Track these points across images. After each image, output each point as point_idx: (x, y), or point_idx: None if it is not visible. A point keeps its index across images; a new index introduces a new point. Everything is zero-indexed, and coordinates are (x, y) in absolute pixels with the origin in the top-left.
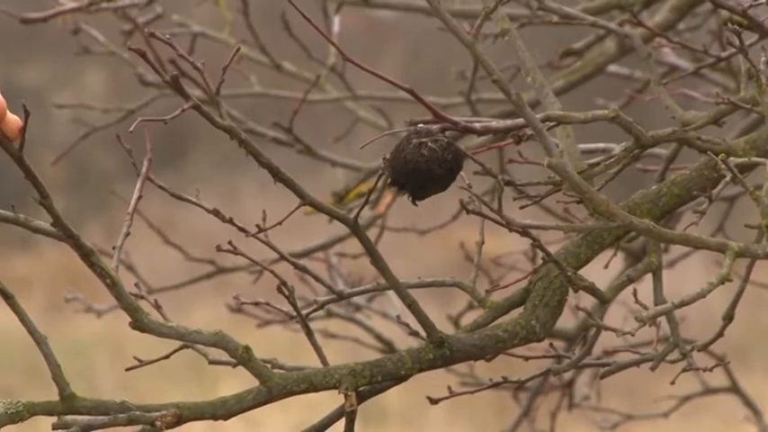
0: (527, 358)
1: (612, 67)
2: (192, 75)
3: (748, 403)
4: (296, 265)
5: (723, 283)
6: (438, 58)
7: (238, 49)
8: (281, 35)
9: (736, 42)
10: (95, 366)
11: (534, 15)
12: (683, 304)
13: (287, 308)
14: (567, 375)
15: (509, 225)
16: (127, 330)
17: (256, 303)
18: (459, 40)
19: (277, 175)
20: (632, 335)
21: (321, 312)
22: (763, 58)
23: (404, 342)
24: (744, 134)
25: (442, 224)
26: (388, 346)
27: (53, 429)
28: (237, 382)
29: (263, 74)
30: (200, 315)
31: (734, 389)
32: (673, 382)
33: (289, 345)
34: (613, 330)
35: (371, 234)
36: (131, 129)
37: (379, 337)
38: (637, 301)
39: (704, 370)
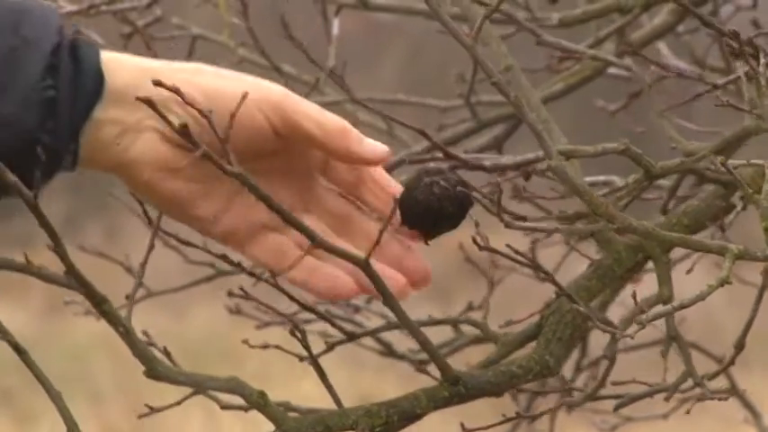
0: (538, 393)
1: (612, 70)
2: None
3: (747, 405)
4: (304, 307)
5: (722, 286)
6: (437, 60)
7: (245, 96)
8: (280, 38)
9: (741, 74)
10: (94, 369)
11: (548, 45)
12: (682, 307)
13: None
14: (567, 376)
15: (530, 264)
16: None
17: (266, 347)
18: (459, 42)
19: (288, 220)
20: (632, 338)
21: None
22: (763, 60)
23: (403, 344)
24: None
25: None
26: (388, 349)
27: None
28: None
29: (263, 76)
30: (198, 316)
31: (733, 390)
32: (688, 412)
33: (287, 344)
34: (613, 332)
35: None
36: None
37: (378, 340)
38: (636, 304)
39: (719, 399)
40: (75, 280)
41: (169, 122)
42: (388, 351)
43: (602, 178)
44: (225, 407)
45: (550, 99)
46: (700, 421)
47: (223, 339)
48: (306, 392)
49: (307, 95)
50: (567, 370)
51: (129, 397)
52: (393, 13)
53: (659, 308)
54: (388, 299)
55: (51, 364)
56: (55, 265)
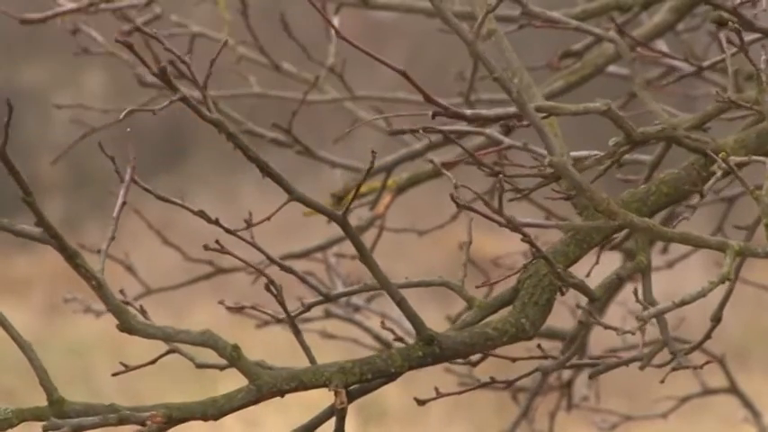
0: (515, 359)
1: (612, 68)
2: (189, 75)
3: (747, 404)
4: (281, 266)
5: (723, 282)
6: (437, 59)
7: (226, 42)
8: (280, 35)
9: (724, 44)
10: (95, 367)
11: (533, 16)
12: (683, 303)
13: (282, 308)
14: (566, 376)
15: (508, 224)
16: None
17: (241, 309)
18: (461, 38)
19: (265, 170)
20: (632, 333)
21: (319, 313)
22: (763, 57)
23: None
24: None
25: (441, 224)
26: (387, 347)
27: (43, 431)
28: (239, 380)
29: (263, 74)
30: (199, 315)
31: (733, 389)
32: (662, 381)
33: (288, 343)
34: (613, 329)
35: (371, 234)
36: (121, 117)
37: (377, 338)
38: (637, 300)
39: (695, 368)
40: (46, 232)
41: (148, 66)
42: (388, 349)
43: (584, 153)
44: (200, 365)
45: (551, 97)
46: (700, 420)
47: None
48: (306, 393)
49: (306, 93)
50: (567, 370)
51: (129, 395)
52: (393, 12)
53: (661, 305)
54: (366, 257)
55: (52, 363)
56: (55, 266)
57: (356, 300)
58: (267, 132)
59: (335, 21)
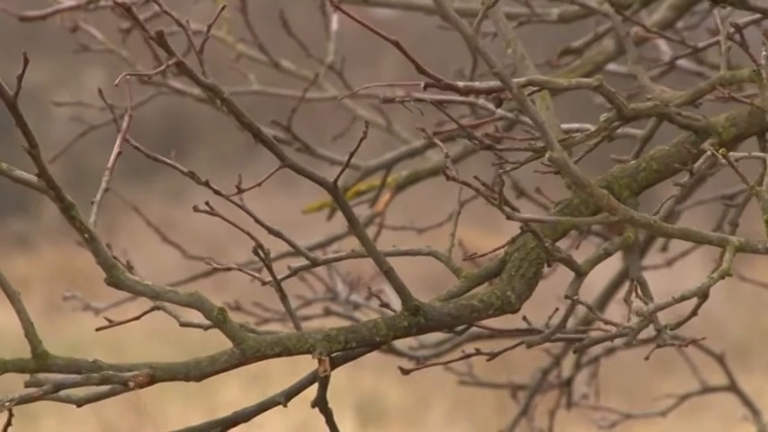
0: (500, 332)
1: (611, 66)
2: (192, 68)
3: (747, 402)
4: (269, 230)
5: (723, 278)
6: (437, 56)
7: (224, 7)
8: (279, 33)
9: (719, 22)
10: None
11: (533, 14)
12: (683, 298)
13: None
14: (566, 374)
15: (510, 217)
16: (125, 329)
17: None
18: (461, 34)
19: (258, 137)
20: (633, 329)
21: (319, 311)
22: (764, 53)
23: (402, 342)
24: None
25: (440, 222)
26: (387, 346)
27: (25, 387)
28: (238, 378)
29: (262, 72)
30: (198, 314)
31: (732, 388)
32: (647, 358)
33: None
34: (614, 325)
35: (370, 232)
36: (116, 83)
37: None
38: (637, 296)
39: (679, 346)
40: (45, 182)
41: (146, 30)
42: (388, 348)
43: (575, 126)
44: (184, 324)
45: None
46: (699, 419)
47: (223, 337)
48: (306, 394)
49: (305, 91)
50: (567, 368)
51: (128, 396)
52: (393, 9)
53: (661, 301)
54: (356, 227)
55: None
56: (54, 266)
57: (355, 297)
58: (266, 130)
59: (334, 18)
